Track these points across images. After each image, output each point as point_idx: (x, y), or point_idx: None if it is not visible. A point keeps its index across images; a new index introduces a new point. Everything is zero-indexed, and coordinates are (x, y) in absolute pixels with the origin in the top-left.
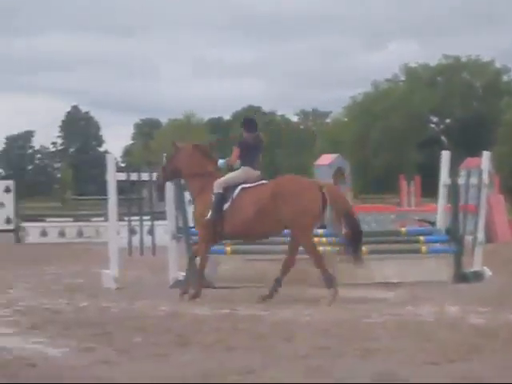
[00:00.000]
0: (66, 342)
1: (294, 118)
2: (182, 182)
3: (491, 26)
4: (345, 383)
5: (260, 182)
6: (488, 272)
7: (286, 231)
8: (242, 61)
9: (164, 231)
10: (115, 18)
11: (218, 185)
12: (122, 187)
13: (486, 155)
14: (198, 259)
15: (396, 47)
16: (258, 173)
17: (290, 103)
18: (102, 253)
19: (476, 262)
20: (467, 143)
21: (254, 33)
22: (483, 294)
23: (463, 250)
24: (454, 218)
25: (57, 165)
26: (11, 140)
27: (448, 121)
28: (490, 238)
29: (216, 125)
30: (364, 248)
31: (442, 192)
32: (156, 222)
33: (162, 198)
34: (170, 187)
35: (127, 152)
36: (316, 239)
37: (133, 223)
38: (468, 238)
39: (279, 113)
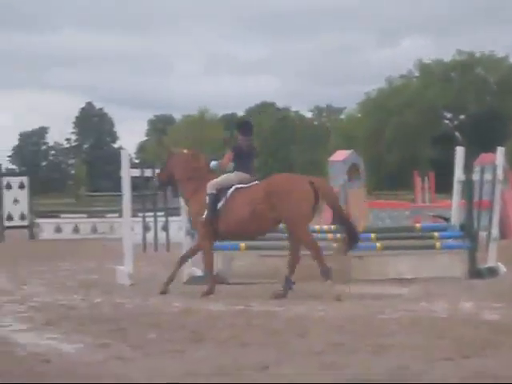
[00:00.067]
0: (81, 338)
1: (308, 114)
2: None
3: (506, 22)
4: (357, 383)
5: (253, 183)
6: (502, 268)
7: None
8: (255, 57)
9: (178, 227)
10: (130, 15)
11: (211, 186)
12: (136, 183)
13: (500, 151)
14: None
15: (410, 43)
16: (250, 177)
17: (304, 99)
18: (116, 249)
19: (490, 258)
20: (481, 139)
21: (267, 29)
22: (497, 289)
23: (477, 245)
24: (468, 214)
25: (71, 161)
26: (25, 136)
27: (462, 117)
28: (504, 233)
29: (229, 121)
30: (378, 244)
31: (457, 188)
32: (170, 218)
33: (176, 194)
34: None
35: (141, 148)
36: (330, 236)
37: (147, 219)
38: (482, 234)
39: (293, 109)
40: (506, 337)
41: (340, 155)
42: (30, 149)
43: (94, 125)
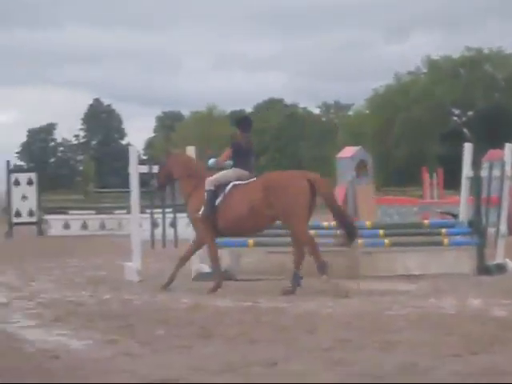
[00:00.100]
0: (89, 335)
1: (316, 111)
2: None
3: None
4: (366, 383)
5: (251, 180)
6: (511, 264)
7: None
8: (263, 54)
9: (186, 224)
10: (138, 12)
11: (209, 182)
12: (145, 180)
13: (508, 147)
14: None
15: (418, 39)
16: (248, 173)
17: (312, 96)
18: (124, 245)
19: (498, 255)
20: (489, 135)
21: (275, 25)
22: (506, 286)
23: (486, 242)
24: (476, 211)
25: (79, 157)
26: (33, 133)
27: (470, 113)
28: None
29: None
30: (386, 240)
31: (465, 184)
32: (178, 215)
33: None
34: None
35: (149, 145)
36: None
37: (155, 216)
38: (491, 231)
39: (301, 105)
40: None
41: (348, 151)
42: (39, 145)
43: (102, 121)
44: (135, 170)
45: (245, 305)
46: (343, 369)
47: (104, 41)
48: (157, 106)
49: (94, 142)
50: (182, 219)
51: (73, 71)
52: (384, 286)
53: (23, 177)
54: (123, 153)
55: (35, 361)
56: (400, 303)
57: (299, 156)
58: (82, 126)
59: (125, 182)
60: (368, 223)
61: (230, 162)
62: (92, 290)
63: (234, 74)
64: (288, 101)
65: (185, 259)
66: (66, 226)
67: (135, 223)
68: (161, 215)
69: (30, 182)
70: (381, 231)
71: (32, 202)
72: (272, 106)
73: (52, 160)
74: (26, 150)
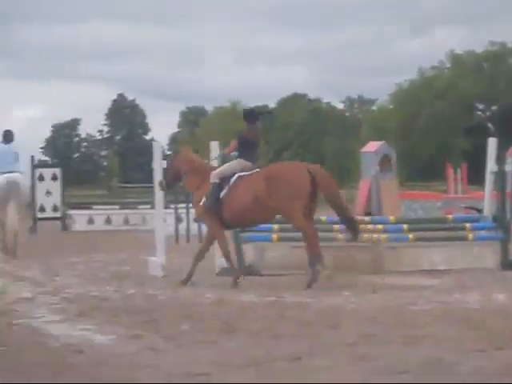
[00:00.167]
0: (113, 329)
1: (340, 106)
2: None
3: None
4: None
5: (255, 171)
6: None
7: (330, 219)
8: (287, 48)
9: None
10: (161, 8)
11: (214, 175)
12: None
13: None
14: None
15: (443, 34)
16: (252, 165)
17: (336, 90)
18: (148, 240)
19: None
20: None
21: (299, 19)
22: None
23: (510, 237)
24: (500, 205)
25: (103, 153)
26: (58, 128)
27: (494, 107)
28: None
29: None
30: (411, 235)
31: (489, 179)
32: None
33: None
34: None
35: (173, 140)
36: (362, 226)
37: (179, 211)
38: None
39: (325, 100)
40: None
41: (372, 146)
42: (63, 140)
43: (126, 116)
44: (159, 165)
45: (269, 300)
46: (367, 364)
47: (129, 36)
48: (181, 101)
49: (117, 137)
50: None
51: (97, 66)
52: (408, 281)
53: (47, 172)
54: (147, 148)
55: (59, 356)
56: (424, 298)
57: (323, 151)
58: (106, 121)
59: (149, 177)
60: (392, 218)
61: (235, 153)
62: (116, 285)
63: (257, 69)
64: (312, 96)
65: (200, 255)
66: (90, 221)
67: (159, 218)
68: (185, 210)
69: (54, 178)
70: (405, 226)
71: (56, 198)
72: (296, 100)
73: (76, 155)
74: (51, 146)
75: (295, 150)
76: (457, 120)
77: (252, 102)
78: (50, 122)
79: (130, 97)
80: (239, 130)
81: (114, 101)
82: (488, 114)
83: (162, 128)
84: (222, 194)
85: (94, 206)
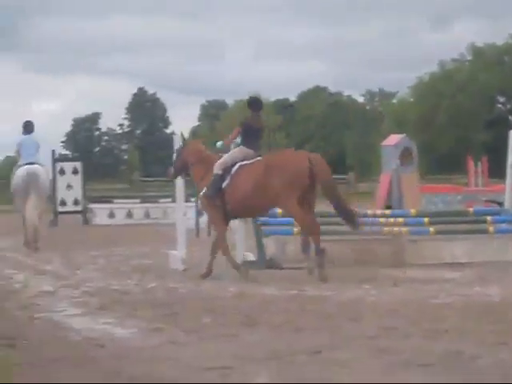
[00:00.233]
0: (135, 323)
1: (360, 99)
2: None
3: None
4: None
5: (256, 159)
6: None
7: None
8: (307, 41)
9: None
10: (183, 1)
11: (217, 166)
12: None
13: None
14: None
15: (463, 27)
16: (254, 152)
17: (356, 84)
18: (169, 234)
19: None
20: None
21: (319, 13)
22: None
23: None
24: None
25: (123, 147)
26: (78, 122)
27: None
28: None
29: (282, 106)
30: (432, 228)
31: (510, 172)
32: None
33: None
34: None
35: (194, 133)
36: (383, 220)
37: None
38: None
39: (345, 93)
40: None
41: (392, 139)
42: (83, 134)
43: (146, 110)
44: None
45: (290, 293)
46: (388, 357)
47: (149, 30)
48: (201, 95)
49: (138, 131)
50: None
51: (118, 60)
52: (429, 274)
53: (68, 166)
54: (167, 142)
55: (81, 349)
56: (445, 291)
57: (343, 144)
58: (127, 115)
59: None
60: (413, 211)
61: (238, 141)
62: (137, 279)
63: (278, 62)
64: (332, 89)
65: (216, 247)
66: (111, 215)
67: (180, 212)
68: None
69: (75, 171)
70: (426, 219)
71: (77, 191)
72: (316, 94)
73: (97, 149)
74: (71, 139)
75: (316, 143)
76: (477, 113)
77: (273, 95)
78: (70, 116)
79: (150, 91)
80: (243, 118)
81: (135, 95)
82: (509, 106)
83: (182, 122)
84: (224, 184)
85: (115, 200)
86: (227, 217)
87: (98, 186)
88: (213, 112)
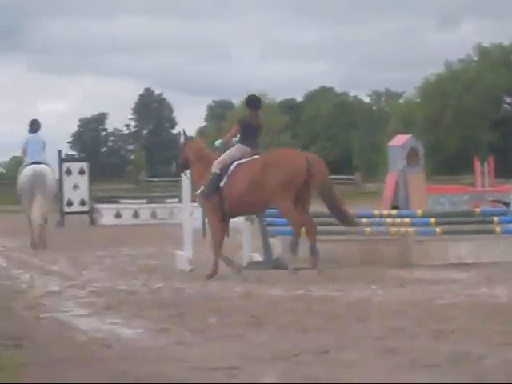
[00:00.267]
0: (141, 323)
1: (367, 99)
2: None
3: None
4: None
5: (253, 157)
6: None
7: (360, 212)
8: (313, 42)
9: None
10: (188, 1)
11: (215, 165)
12: None
13: None
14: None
15: (470, 27)
16: (251, 150)
17: (363, 84)
18: (175, 234)
19: None
20: None
21: (325, 13)
22: None
23: None
24: None
25: (130, 147)
26: (85, 122)
27: None
28: None
29: (288, 106)
30: (438, 229)
31: None
32: None
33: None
34: None
35: (200, 134)
36: (389, 220)
37: None
38: None
39: (352, 94)
40: None
41: (398, 140)
42: (90, 135)
43: (153, 111)
44: None
45: (296, 293)
46: (395, 357)
47: (156, 30)
48: (208, 95)
49: (144, 132)
50: None
51: (124, 61)
52: (436, 275)
53: (75, 166)
54: (174, 142)
55: (87, 350)
56: (452, 292)
57: (350, 144)
58: (133, 116)
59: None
60: (419, 212)
61: (236, 139)
62: (144, 279)
63: (284, 62)
64: (338, 89)
65: (217, 246)
66: (118, 215)
67: (186, 212)
68: None
69: (81, 172)
70: (432, 220)
71: (83, 192)
72: (322, 94)
73: (103, 149)
74: (78, 140)
75: (322, 143)
76: (484, 113)
77: (279, 96)
78: (77, 116)
79: (157, 91)
80: (241, 115)
81: (141, 95)
82: None
83: (189, 122)
84: (222, 183)
85: (122, 200)
86: (225, 215)
87: (105, 186)
88: (219, 112)
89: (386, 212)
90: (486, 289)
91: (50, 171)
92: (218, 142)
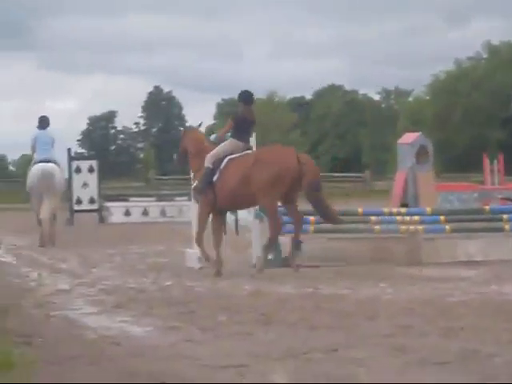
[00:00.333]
0: (151, 321)
1: (376, 97)
2: None
3: None
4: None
5: (245, 152)
6: None
7: (369, 210)
8: (323, 40)
9: (247, 210)
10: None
11: (208, 159)
12: None
13: None
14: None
15: (479, 25)
16: (244, 144)
17: (372, 82)
18: (185, 232)
19: None
20: None
21: (335, 11)
22: None
23: None
24: None
25: (139, 145)
26: (94, 120)
27: None
28: None
29: (298, 104)
30: (447, 226)
31: None
32: None
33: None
34: None
35: (209, 132)
36: (398, 218)
37: None
38: None
39: (361, 91)
40: None
41: (408, 138)
42: (99, 133)
43: (162, 109)
44: None
45: (306, 291)
46: (405, 355)
47: (164, 28)
48: (217, 93)
49: (154, 130)
50: None
51: (133, 59)
52: (445, 273)
53: (84, 164)
54: None
55: (97, 348)
56: (461, 289)
57: (359, 142)
58: (142, 114)
59: (185, 169)
60: (428, 209)
61: (229, 134)
62: (153, 277)
63: (293, 60)
64: (348, 87)
65: (217, 242)
66: (127, 213)
67: (196, 210)
68: None
69: (91, 170)
70: (441, 217)
71: (93, 190)
72: (332, 92)
73: (112, 147)
74: (87, 138)
75: (331, 141)
76: (493, 111)
77: (288, 94)
78: (86, 114)
79: (166, 89)
80: (234, 111)
81: (150, 93)
82: None
83: (198, 120)
84: (214, 178)
85: (131, 198)
86: (218, 210)
87: (114, 184)
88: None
89: (395, 210)
90: (496, 286)
91: (58, 170)
92: (212, 137)
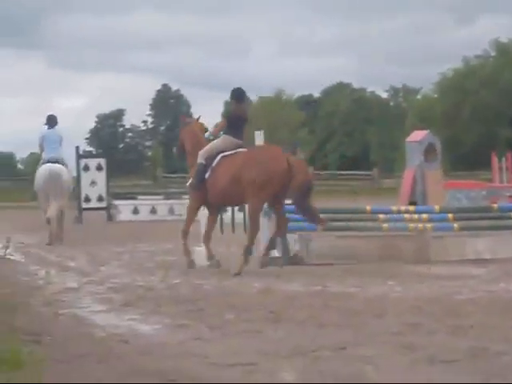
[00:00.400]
0: (159, 319)
1: (384, 95)
2: None
3: None
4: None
5: (238, 150)
6: None
7: (378, 208)
8: (330, 37)
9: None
10: None
11: (201, 155)
12: None
13: None
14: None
15: (487, 22)
16: (237, 141)
17: (380, 79)
18: (193, 230)
19: None
20: None
21: (343, 9)
22: None
23: None
24: None
25: (147, 143)
26: (102, 119)
27: None
28: None
29: (306, 102)
30: (456, 224)
31: None
32: None
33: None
34: None
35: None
36: (407, 216)
37: None
38: None
39: (369, 89)
40: None
41: (416, 136)
42: (107, 131)
43: (170, 107)
44: None
45: (314, 289)
46: (413, 353)
47: (173, 26)
48: (224, 91)
49: (162, 128)
50: None
51: (141, 57)
52: (453, 270)
53: (92, 162)
54: None
55: (105, 345)
56: (470, 287)
57: (367, 140)
58: (151, 112)
59: None
60: (437, 207)
61: (223, 132)
62: (161, 275)
63: (301, 58)
64: (356, 85)
65: (207, 238)
66: (135, 212)
67: (204, 208)
68: None
69: (99, 168)
70: (450, 215)
71: (101, 188)
72: (340, 90)
73: (121, 146)
74: (95, 136)
75: (339, 139)
76: (501, 109)
77: (296, 91)
78: (94, 112)
79: (174, 87)
80: (228, 110)
81: (159, 91)
82: None
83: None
84: (207, 175)
85: (139, 196)
86: (211, 207)
87: (122, 182)
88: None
89: (403, 208)
90: (504, 284)
91: (65, 171)
92: (206, 134)
